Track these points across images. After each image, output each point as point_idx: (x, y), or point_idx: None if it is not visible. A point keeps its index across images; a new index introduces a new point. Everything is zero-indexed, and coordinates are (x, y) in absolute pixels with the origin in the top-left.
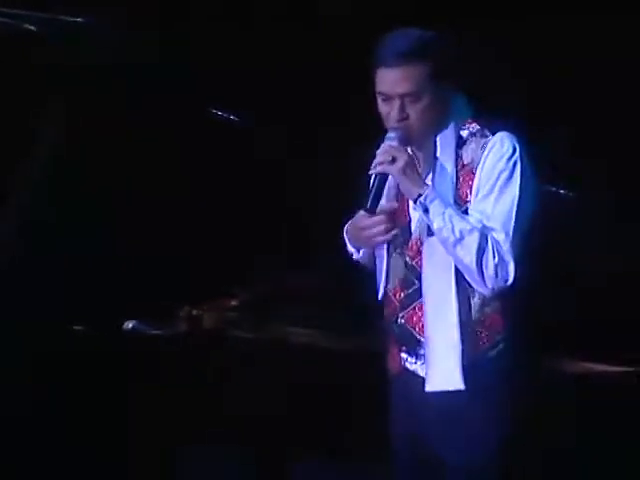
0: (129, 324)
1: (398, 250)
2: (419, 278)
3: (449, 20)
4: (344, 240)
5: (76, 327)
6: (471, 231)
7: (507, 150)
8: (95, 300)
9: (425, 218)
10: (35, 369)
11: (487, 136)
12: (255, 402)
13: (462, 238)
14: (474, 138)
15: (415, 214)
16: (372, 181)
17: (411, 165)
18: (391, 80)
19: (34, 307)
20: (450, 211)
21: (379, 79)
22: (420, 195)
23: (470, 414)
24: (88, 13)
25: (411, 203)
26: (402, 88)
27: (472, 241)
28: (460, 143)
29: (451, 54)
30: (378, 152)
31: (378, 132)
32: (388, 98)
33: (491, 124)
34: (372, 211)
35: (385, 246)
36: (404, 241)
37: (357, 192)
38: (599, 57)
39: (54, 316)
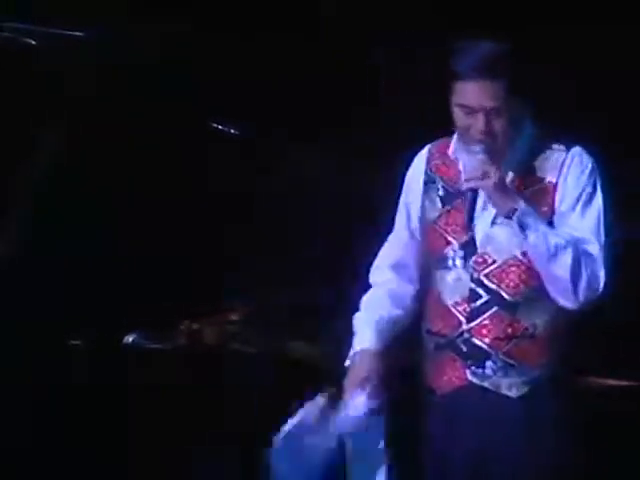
0: (129, 338)
1: (458, 263)
2: (488, 291)
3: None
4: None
5: (74, 341)
6: (565, 246)
7: (587, 164)
8: (95, 313)
9: (520, 233)
10: (35, 376)
11: (562, 151)
12: (256, 416)
13: (556, 253)
14: (549, 153)
15: (482, 226)
16: (465, 198)
17: (502, 179)
18: (477, 94)
19: (34, 318)
20: (543, 226)
21: (463, 92)
22: (515, 210)
23: (533, 431)
24: (89, 24)
25: (480, 215)
26: (489, 102)
27: (567, 255)
28: (537, 158)
29: (526, 69)
30: (467, 167)
31: (379, 142)
32: (472, 111)
33: (561, 139)
34: (471, 229)
35: (434, 261)
36: (466, 254)
37: (359, 204)
38: None
39: (53, 327)
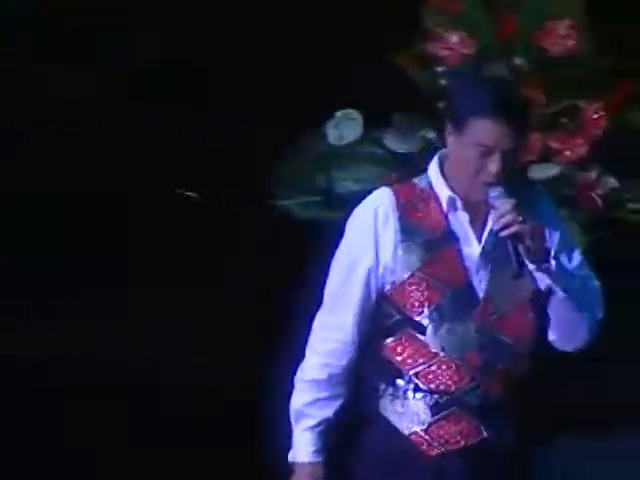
0: None
1: (456, 315)
2: (497, 342)
3: None
4: None
5: None
6: (593, 284)
7: (552, 200)
8: None
9: (555, 277)
10: None
11: (534, 191)
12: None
13: (586, 291)
14: (531, 193)
15: (482, 274)
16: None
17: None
18: (499, 134)
19: None
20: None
21: (482, 131)
22: (548, 252)
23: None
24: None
25: (471, 264)
26: (509, 144)
27: (594, 294)
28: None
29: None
30: (499, 212)
31: None
32: (489, 152)
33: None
34: (521, 275)
35: (428, 317)
36: (465, 305)
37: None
38: None
39: None
